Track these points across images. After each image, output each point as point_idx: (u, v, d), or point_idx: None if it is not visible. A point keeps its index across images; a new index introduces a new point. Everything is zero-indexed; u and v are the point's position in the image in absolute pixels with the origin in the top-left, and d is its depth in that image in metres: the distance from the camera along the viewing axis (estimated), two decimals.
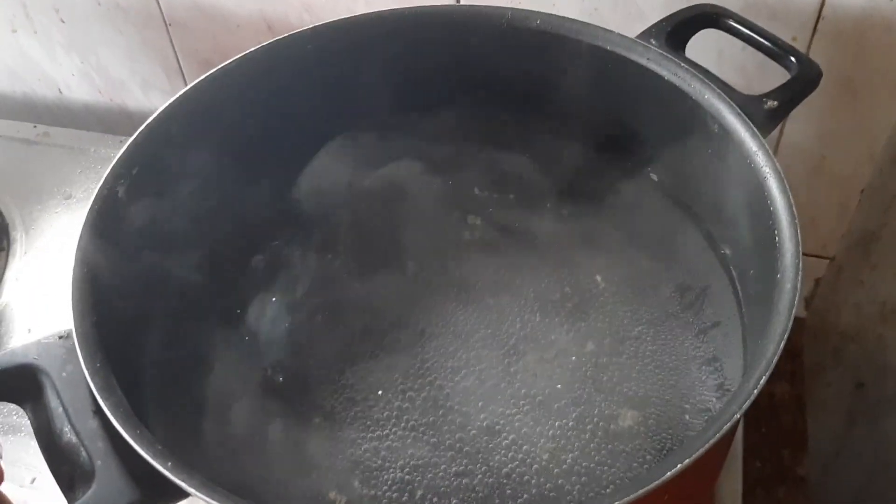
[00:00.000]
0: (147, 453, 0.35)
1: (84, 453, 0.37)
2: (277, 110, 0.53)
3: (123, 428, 0.35)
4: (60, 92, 0.82)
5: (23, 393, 0.40)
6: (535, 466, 0.46)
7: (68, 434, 0.37)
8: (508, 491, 0.45)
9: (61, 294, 0.64)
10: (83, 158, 0.74)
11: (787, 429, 0.73)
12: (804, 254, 0.39)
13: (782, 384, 0.76)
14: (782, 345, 0.35)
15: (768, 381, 0.34)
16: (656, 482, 0.33)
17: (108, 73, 0.78)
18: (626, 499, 0.32)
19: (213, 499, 0.33)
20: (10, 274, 0.67)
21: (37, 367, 0.39)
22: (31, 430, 0.57)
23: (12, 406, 0.59)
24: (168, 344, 0.47)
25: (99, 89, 0.80)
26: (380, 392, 0.49)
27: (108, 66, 0.78)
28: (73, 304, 0.40)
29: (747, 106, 0.46)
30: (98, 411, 0.37)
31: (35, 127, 0.78)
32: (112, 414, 0.36)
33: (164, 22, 0.72)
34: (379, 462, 0.47)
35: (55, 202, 0.72)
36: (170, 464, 0.34)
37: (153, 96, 0.79)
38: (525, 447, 0.47)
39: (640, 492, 0.32)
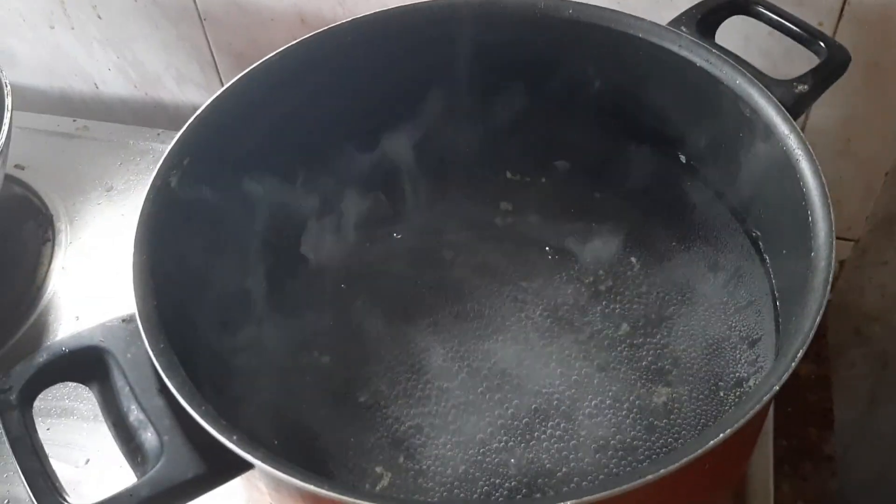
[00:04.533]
0: (214, 428, 0.36)
1: (151, 429, 0.39)
2: (319, 100, 0.54)
3: (190, 405, 0.37)
4: (97, 86, 0.84)
5: (90, 374, 0.42)
6: (573, 442, 0.48)
7: (135, 412, 0.39)
8: (548, 465, 0.47)
9: (106, 282, 0.67)
10: (122, 151, 0.76)
11: (814, 408, 0.74)
12: None
13: (808, 364, 0.77)
14: (818, 320, 0.37)
15: None
16: (698, 451, 0.35)
17: (143, 67, 0.80)
18: (672, 466, 0.34)
19: (278, 470, 0.35)
20: (56, 264, 0.69)
21: (103, 349, 0.41)
22: (83, 413, 0.60)
23: (65, 391, 0.61)
24: (222, 325, 0.49)
25: (134, 83, 0.82)
26: (420, 372, 0.51)
27: (144, 60, 0.79)
28: (134, 289, 0.42)
29: (778, 90, 0.47)
30: (163, 390, 0.39)
31: (74, 121, 0.80)
32: (178, 392, 0.38)
33: (199, 16, 0.74)
34: (422, 439, 0.49)
35: (97, 194, 0.73)
36: (235, 437, 0.36)
37: (188, 90, 0.81)
38: (563, 424, 0.49)
39: (686, 459, 0.34)
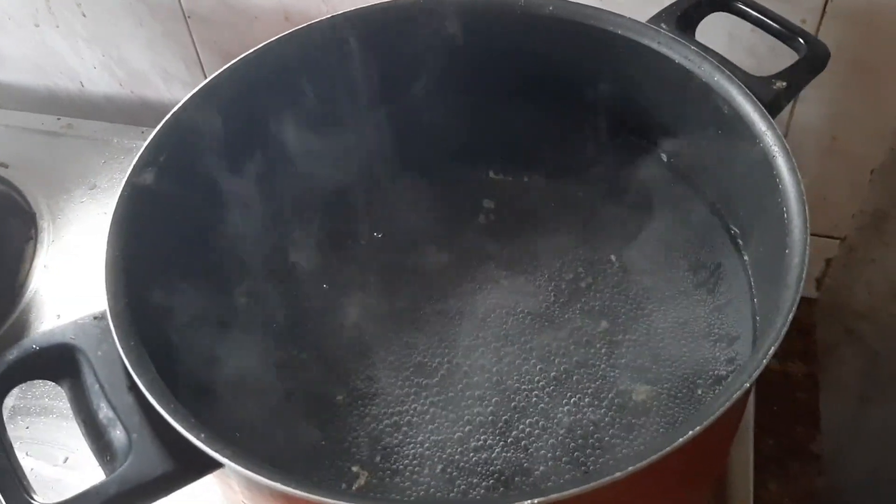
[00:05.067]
0: (182, 426, 0.36)
1: (121, 427, 0.38)
2: (298, 97, 0.54)
3: (159, 403, 0.37)
4: (82, 85, 0.84)
5: (60, 371, 0.41)
6: (552, 440, 0.48)
7: (105, 409, 0.39)
8: (525, 464, 0.47)
9: (88, 280, 0.67)
10: (106, 149, 0.76)
11: (801, 407, 0.74)
12: (815, 234, 0.40)
13: (796, 363, 0.77)
14: (790, 317, 0.37)
15: (782, 360, 0.36)
16: (665, 450, 0.34)
17: (129, 65, 0.80)
18: (640, 464, 0.33)
19: (246, 468, 0.35)
20: (38, 262, 0.69)
21: (74, 347, 0.41)
22: (62, 412, 0.60)
23: (44, 389, 0.61)
24: (196, 323, 0.48)
25: (120, 81, 0.82)
26: (399, 370, 0.51)
27: (130, 58, 0.79)
28: (106, 286, 0.42)
29: (756, 87, 0.47)
30: (133, 387, 0.39)
31: (59, 119, 0.80)
32: (147, 390, 0.38)
33: (184, 14, 0.73)
34: (399, 437, 0.48)
35: (80, 192, 0.73)
36: (203, 436, 0.36)
37: (173, 88, 0.81)
38: (542, 422, 0.48)
39: (655, 457, 0.33)
